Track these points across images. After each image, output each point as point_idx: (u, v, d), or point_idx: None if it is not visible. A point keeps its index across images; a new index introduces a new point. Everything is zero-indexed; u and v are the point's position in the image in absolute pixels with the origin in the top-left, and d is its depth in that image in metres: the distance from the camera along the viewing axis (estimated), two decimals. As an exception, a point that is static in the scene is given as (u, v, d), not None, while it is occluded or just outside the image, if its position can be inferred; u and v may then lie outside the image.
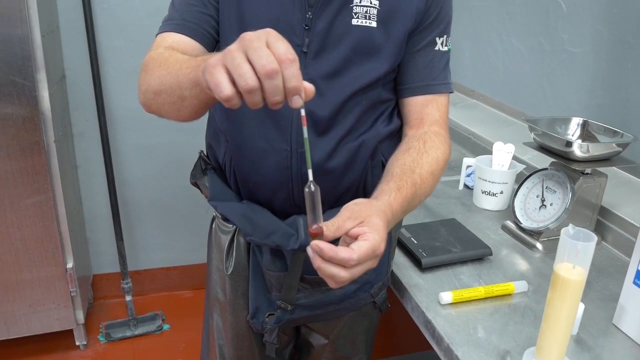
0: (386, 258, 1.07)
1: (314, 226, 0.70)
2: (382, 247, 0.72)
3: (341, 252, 0.69)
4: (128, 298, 2.28)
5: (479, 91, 2.04)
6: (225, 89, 0.60)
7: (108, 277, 2.47)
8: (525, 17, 1.76)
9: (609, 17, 1.43)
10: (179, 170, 2.37)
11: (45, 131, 1.81)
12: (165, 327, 2.33)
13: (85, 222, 2.35)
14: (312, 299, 1.03)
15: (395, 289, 1.13)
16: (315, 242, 0.69)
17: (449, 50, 0.98)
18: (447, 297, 1.02)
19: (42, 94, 1.78)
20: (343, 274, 0.70)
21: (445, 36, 0.96)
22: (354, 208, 0.75)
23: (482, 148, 1.76)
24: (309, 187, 0.68)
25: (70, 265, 1.97)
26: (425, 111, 0.97)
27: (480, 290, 1.04)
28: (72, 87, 2.16)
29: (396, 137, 1.01)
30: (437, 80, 0.97)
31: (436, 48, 0.96)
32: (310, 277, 1.01)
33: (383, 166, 0.97)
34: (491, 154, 1.50)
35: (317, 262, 0.70)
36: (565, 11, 1.58)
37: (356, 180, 0.98)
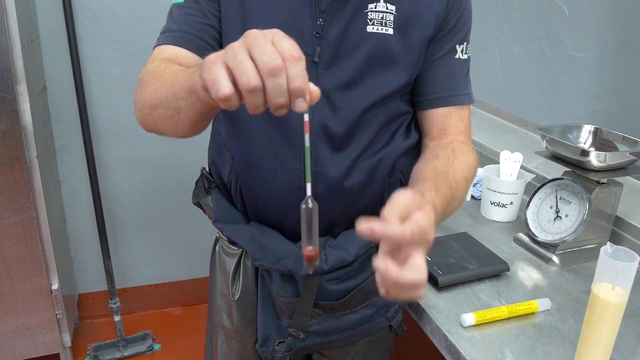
0: (403, 278, 1.01)
1: (309, 247, 0.62)
2: (431, 234, 0.62)
3: (393, 229, 0.57)
4: (117, 318, 2.18)
5: (475, 97, 1.99)
6: (223, 87, 0.53)
7: (94, 296, 2.37)
8: (524, 22, 1.72)
9: (614, 20, 1.39)
10: (166, 184, 2.29)
11: (27, 146, 1.72)
12: (156, 346, 2.24)
13: (70, 239, 2.25)
14: (326, 325, 0.97)
15: (412, 310, 1.06)
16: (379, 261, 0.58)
17: (469, 58, 0.92)
18: (469, 318, 0.96)
19: (23, 107, 1.69)
20: (417, 275, 0.59)
21: (465, 43, 0.91)
22: (406, 197, 0.62)
23: (484, 156, 1.71)
24: (306, 203, 0.60)
25: (55, 286, 1.87)
26: (448, 122, 0.92)
27: (503, 310, 0.98)
28: (53, 98, 2.07)
29: (414, 151, 0.95)
30: (459, 90, 0.91)
31: (456, 56, 0.90)
32: (324, 303, 0.94)
33: (401, 183, 0.91)
34: (495, 163, 1.45)
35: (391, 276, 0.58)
36: (568, 15, 1.54)
37: (373, 199, 0.92)
